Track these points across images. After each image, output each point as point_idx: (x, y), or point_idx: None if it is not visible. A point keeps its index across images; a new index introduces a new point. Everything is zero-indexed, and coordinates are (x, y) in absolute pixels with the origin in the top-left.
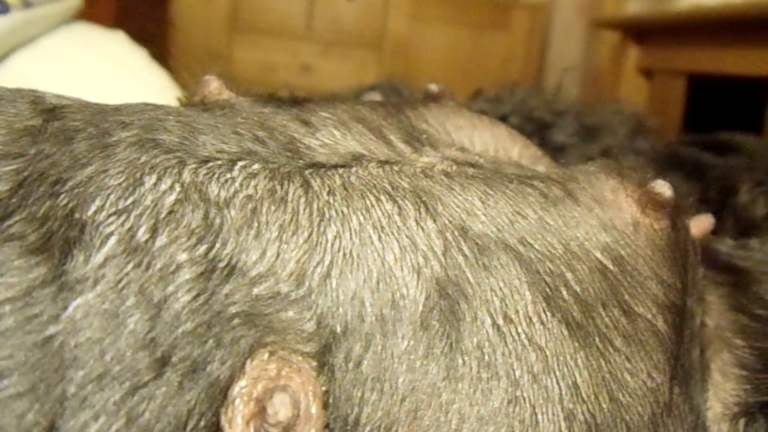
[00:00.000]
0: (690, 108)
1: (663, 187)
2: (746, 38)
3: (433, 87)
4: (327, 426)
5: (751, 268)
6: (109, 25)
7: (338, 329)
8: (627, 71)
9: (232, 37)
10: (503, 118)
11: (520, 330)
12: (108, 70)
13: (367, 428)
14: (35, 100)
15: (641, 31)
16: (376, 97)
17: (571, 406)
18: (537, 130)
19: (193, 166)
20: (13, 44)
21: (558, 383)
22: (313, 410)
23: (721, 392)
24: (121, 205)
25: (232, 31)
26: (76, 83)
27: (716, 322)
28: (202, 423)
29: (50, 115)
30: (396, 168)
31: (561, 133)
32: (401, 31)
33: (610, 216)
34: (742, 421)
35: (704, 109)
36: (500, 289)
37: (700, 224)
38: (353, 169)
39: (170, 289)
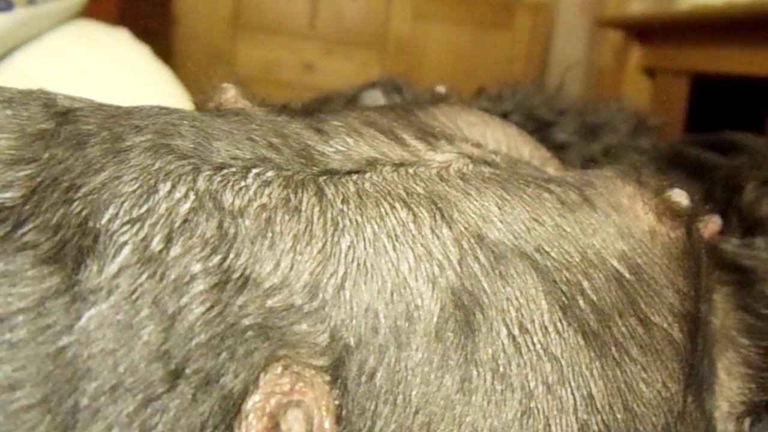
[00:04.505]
0: (693, 107)
1: (680, 196)
2: (749, 38)
3: (441, 88)
4: None
5: (757, 267)
6: (112, 23)
7: (351, 342)
8: (630, 70)
9: (235, 36)
10: (505, 116)
11: (535, 340)
12: (111, 67)
13: None
14: (47, 102)
15: (644, 31)
16: (378, 94)
17: (585, 416)
18: (538, 128)
19: (208, 173)
20: (17, 41)
21: (573, 394)
22: (327, 425)
23: (727, 391)
24: (135, 214)
25: (236, 29)
26: (79, 81)
27: (722, 321)
28: None
29: (63, 118)
30: (411, 171)
31: (562, 131)
32: (404, 30)
33: (627, 224)
34: (747, 421)
35: (707, 109)
36: (516, 298)
37: (708, 226)
38: (367, 175)
39: (184, 300)
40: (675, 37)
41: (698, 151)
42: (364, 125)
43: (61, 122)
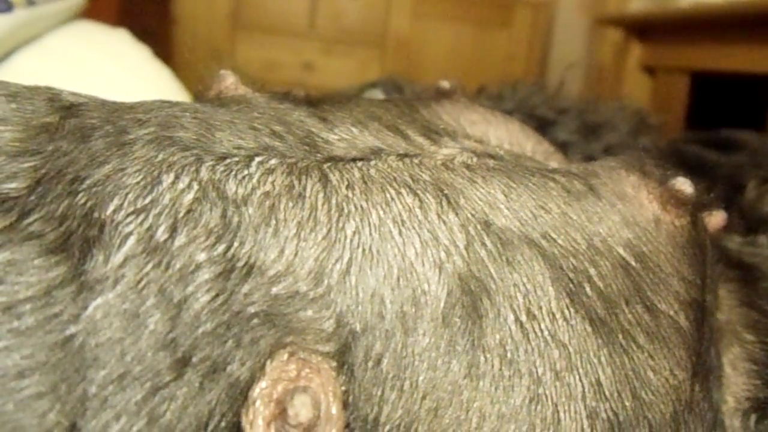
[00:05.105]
0: (693, 105)
1: (684, 185)
2: (749, 35)
3: (445, 83)
4: (347, 426)
5: (760, 264)
6: (112, 23)
7: (357, 328)
8: (630, 69)
9: (234, 35)
10: None
11: (543, 326)
12: (111, 68)
13: (387, 427)
14: (52, 97)
15: (644, 29)
16: (378, 94)
17: (593, 404)
18: (539, 127)
19: (211, 163)
20: (17, 42)
21: (581, 381)
22: (334, 411)
23: (733, 386)
24: (139, 204)
25: (235, 28)
26: (80, 81)
27: (727, 317)
28: (223, 423)
29: (67, 112)
30: (416, 160)
31: (563, 130)
32: (404, 29)
33: (632, 212)
34: (753, 417)
35: (707, 107)
36: (523, 284)
37: (713, 220)
38: (372, 162)
39: (190, 289)
40: (675, 35)
41: (699, 149)
42: (368, 118)
43: (66, 116)
